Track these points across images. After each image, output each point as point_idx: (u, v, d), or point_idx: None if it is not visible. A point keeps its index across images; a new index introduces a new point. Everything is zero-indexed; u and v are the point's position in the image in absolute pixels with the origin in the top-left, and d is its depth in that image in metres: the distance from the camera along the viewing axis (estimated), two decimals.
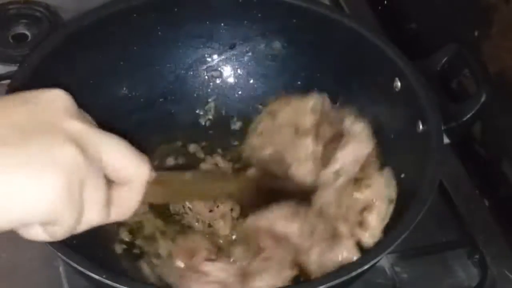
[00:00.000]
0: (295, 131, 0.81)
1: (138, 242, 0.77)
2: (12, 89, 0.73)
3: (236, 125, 0.89)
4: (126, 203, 0.51)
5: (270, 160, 0.82)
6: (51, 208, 0.44)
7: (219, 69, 0.90)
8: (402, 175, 0.75)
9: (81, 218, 0.47)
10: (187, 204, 0.79)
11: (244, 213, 0.78)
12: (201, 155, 0.86)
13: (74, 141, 0.45)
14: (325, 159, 0.79)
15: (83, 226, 0.48)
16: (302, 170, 0.79)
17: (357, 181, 0.76)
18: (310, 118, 0.81)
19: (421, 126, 0.74)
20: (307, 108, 0.82)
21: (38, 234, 0.48)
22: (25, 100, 0.47)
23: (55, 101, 0.47)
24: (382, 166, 0.77)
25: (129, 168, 0.50)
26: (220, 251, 0.75)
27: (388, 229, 0.70)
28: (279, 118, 0.83)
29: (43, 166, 0.43)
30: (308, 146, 0.80)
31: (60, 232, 0.47)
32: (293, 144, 0.80)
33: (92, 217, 0.48)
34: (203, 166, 0.85)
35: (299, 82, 0.88)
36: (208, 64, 0.90)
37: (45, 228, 0.47)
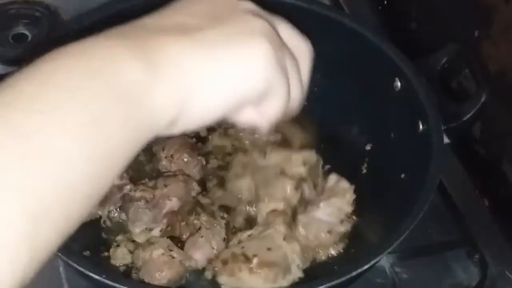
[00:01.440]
0: (280, 172, 0.81)
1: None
2: None
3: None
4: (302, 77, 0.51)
5: (244, 188, 0.81)
6: (265, 75, 0.44)
7: None
8: (402, 175, 0.75)
9: (289, 94, 0.47)
10: None
11: None
12: None
13: (259, 16, 0.46)
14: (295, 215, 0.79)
15: (288, 103, 0.47)
16: (269, 207, 0.79)
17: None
18: (299, 168, 0.81)
19: (421, 126, 0.74)
20: (300, 158, 0.82)
21: (251, 116, 0.47)
22: None
23: None
24: None
25: (300, 45, 0.50)
26: None
27: (387, 230, 0.70)
28: (269, 158, 0.83)
29: (248, 36, 0.44)
30: (287, 189, 0.79)
31: (273, 110, 0.46)
32: (274, 182, 0.80)
33: (296, 93, 0.48)
34: None
35: None
36: None
37: (258, 109, 0.47)
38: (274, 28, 0.47)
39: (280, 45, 0.46)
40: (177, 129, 0.43)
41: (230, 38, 0.44)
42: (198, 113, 0.43)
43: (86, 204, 0.38)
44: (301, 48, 0.50)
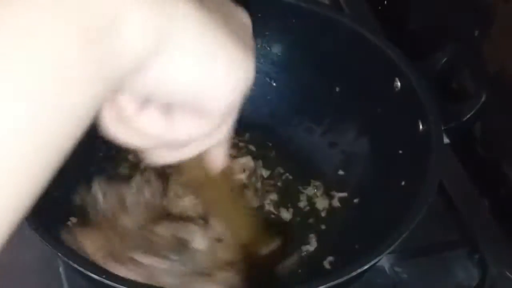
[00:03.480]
0: None
1: None
2: None
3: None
4: None
5: None
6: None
7: None
8: (402, 176, 0.75)
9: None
10: None
11: None
12: None
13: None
14: None
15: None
16: None
17: None
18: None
19: (421, 126, 0.74)
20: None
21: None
22: None
23: None
24: None
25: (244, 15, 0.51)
26: None
27: (387, 231, 0.70)
28: None
29: (245, 48, 0.43)
30: None
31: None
32: None
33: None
34: None
35: (299, 82, 0.88)
36: None
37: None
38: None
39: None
40: (140, 82, 0.38)
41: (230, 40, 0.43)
42: (170, 70, 0.39)
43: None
44: (245, 17, 0.51)
